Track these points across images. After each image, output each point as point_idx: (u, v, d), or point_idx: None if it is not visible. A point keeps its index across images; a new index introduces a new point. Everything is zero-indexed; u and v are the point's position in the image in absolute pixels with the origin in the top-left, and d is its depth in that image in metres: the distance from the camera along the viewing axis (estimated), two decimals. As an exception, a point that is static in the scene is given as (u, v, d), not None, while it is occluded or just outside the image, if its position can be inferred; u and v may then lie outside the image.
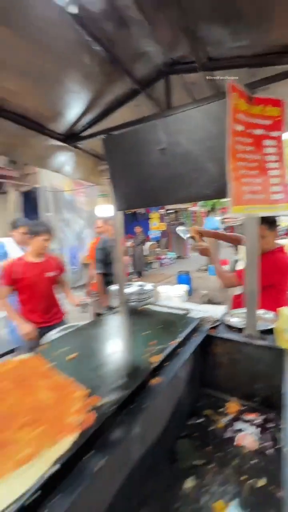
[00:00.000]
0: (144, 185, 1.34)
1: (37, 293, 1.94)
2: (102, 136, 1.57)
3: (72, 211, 7.11)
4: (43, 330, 1.76)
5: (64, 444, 0.56)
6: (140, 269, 8.53)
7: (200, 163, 1.16)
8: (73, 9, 0.90)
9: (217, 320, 1.35)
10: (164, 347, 0.98)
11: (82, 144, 1.85)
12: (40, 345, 1.13)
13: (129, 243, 8.39)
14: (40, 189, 6.56)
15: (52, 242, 2.03)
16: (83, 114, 1.58)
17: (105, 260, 2.84)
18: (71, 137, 1.75)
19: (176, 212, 12.39)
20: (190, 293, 4.11)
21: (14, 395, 0.72)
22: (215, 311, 1.45)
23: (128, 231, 8.43)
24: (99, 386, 0.77)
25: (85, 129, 1.71)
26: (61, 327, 1.59)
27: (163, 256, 10.31)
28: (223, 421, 1.05)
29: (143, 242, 8.96)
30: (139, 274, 8.36)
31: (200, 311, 1.43)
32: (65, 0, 0.88)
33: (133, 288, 1.78)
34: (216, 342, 1.22)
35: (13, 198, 6.33)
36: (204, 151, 1.15)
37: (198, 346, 1.12)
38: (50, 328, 1.75)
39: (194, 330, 1.19)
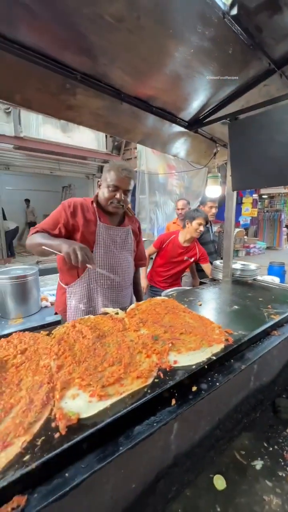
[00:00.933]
0: (271, 165, 1.42)
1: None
2: (227, 120, 1.69)
3: (164, 193, 7.49)
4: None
5: (217, 347, 0.81)
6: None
7: None
8: (233, 11, 1.05)
9: None
10: (280, 311, 1.11)
11: (201, 129, 2.02)
12: (169, 294, 1.44)
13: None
14: (137, 173, 7.18)
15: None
16: (209, 100, 1.73)
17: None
18: (193, 123, 1.94)
19: (272, 197, 11.13)
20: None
21: (168, 317, 1.03)
22: None
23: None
24: (228, 324, 0.99)
25: (208, 115, 1.86)
26: (174, 288, 1.91)
27: (251, 245, 9.62)
28: None
29: (230, 228, 8.58)
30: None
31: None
32: (227, 5, 1.03)
33: (237, 265, 1.92)
34: None
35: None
36: None
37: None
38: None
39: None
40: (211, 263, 2.72)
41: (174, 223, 3.57)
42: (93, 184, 8.72)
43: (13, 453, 0.45)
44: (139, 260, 1.57)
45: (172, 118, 1.79)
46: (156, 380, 0.66)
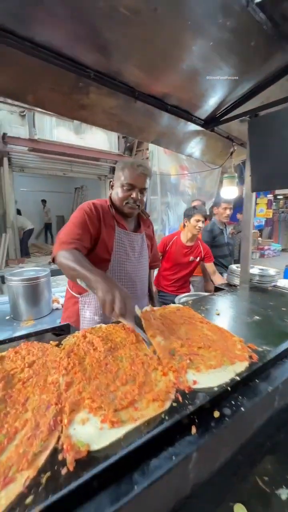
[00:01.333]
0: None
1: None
2: (246, 117, 1.60)
3: (176, 194, 7.40)
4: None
5: (240, 366, 0.74)
6: (237, 257, 8.10)
7: None
8: (258, -1, 0.97)
9: None
10: (307, 323, 1.02)
11: (218, 127, 1.93)
12: (183, 301, 1.37)
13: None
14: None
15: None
16: (227, 96, 1.65)
17: (211, 242, 2.93)
18: (210, 122, 1.86)
19: (287, 198, 10.79)
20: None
21: (184, 328, 0.96)
22: None
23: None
24: (250, 338, 0.91)
25: (226, 112, 1.77)
26: (188, 294, 1.84)
27: (266, 247, 9.35)
28: None
29: (244, 230, 8.37)
30: (236, 262, 7.96)
31: None
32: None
33: (255, 270, 1.82)
34: None
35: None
36: None
37: None
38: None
39: None
40: (226, 267, 2.62)
41: None
42: (105, 185, 8.75)
43: (15, 492, 0.40)
44: (152, 262, 1.50)
45: (188, 116, 1.72)
46: (174, 404, 0.59)
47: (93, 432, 0.51)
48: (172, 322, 1.00)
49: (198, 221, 2.14)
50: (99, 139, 7.82)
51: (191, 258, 2.25)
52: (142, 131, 1.76)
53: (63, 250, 1.06)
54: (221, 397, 0.65)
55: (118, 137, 8.03)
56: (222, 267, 2.77)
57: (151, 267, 1.51)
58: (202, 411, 0.60)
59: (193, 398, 0.62)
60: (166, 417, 0.56)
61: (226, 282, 2.01)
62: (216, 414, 0.61)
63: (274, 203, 10.53)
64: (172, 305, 1.18)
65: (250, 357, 0.78)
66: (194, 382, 0.66)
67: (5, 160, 6.79)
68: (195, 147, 2.15)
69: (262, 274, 1.75)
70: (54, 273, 2.73)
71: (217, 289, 2.00)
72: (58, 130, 7.16)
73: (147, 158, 7.13)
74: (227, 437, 0.63)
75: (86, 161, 7.83)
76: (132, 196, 1.19)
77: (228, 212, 2.77)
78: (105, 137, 7.93)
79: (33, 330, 1.94)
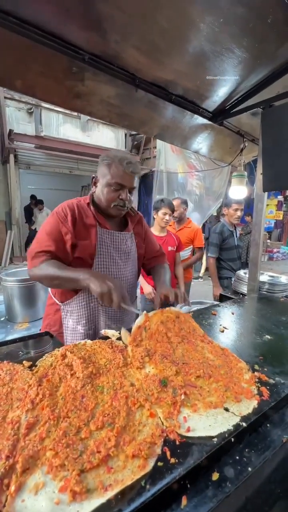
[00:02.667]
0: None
1: None
2: (259, 108, 1.45)
3: (183, 193, 7.22)
4: None
5: (247, 405, 0.59)
6: (246, 260, 7.87)
7: None
8: None
9: None
10: None
11: (227, 121, 1.78)
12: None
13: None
14: (156, 172, 6.98)
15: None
16: (239, 85, 1.49)
17: (220, 245, 2.76)
18: (219, 114, 1.70)
19: (299, 199, 10.43)
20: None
21: (182, 348, 0.82)
22: None
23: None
24: (260, 363, 0.77)
25: (236, 104, 1.62)
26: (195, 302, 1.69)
27: (275, 250, 9.08)
28: None
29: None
30: (245, 265, 7.74)
31: None
32: None
33: (265, 277, 1.66)
34: None
35: (134, 180, 7.02)
36: None
37: None
38: None
39: None
40: (234, 271, 2.46)
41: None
42: (111, 184, 8.65)
43: None
44: (151, 256, 1.29)
45: (194, 108, 1.57)
46: (159, 464, 0.46)
47: (45, 509, 0.38)
48: (168, 340, 0.86)
49: (165, 214, 2.14)
50: (106, 136, 7.70)
51: (170, 248, 2.23)
52: (144, 124, 1.62)
53: (35, 267, 1.00)
54: (222, 451, 0.51)
55: (126, 135, 7.90)
56: (231, 270, 2.61)
57: (158, 257, 1.32)
58: (196, 471, 0.46)
59: (185, 454, 0.48)
60: (148, 486, 0.42)
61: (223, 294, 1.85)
62: (215, 476, 0.47)
63: (284, 204, 10.21)
64: (172, 308, 1.03)
65: (260, 392, 0.64)
66: (188, 430, 0.52)
67: (11, 157, 6.75)
68: (202, 143, 2.00)
69: (273, 282, 1.59)
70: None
71: (222, 296, 1.85)
72: (64, 127, 7.08)
73: (154, 156, 6.98)
74: (229, 506, 0.49)
75: (92, 159, 7.72)
76: (121, 197, 1.04)
77: (239, 213, 2.60)
78: (112, 135, 7.81)
79: (27, 334, 1.84)
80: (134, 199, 7.69)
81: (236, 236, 2.66)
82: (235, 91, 1.51)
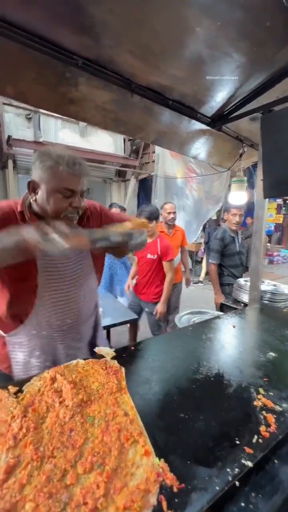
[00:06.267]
0: None
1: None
2: (258, 113, 1.41)
3: (182, 197, 7.20)
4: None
5: None
6: (246, 263, 7.83)
7: None
8: None
9: None
10: None
11: (226, 126, 1.74)
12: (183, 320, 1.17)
13: (240, 237, 7.80)
14: (154, 177, 6.97)
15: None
16: (237, 90, 1.45)
17: (222, 251, 2.71)
18: (217, 120, 1.67)
19: (298, 202, 10.43)
20: None
21: (53, 441, 0.53)
22: None
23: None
24: (263, 387, 0.71)
25: (235, 109, 1.58)
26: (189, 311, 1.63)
27: (275, 253, 9.03)
28: None
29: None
30: (245, 269, 7.69)
31: None
32: None
33: (267, 286, 1.60)
34: None
35: (133, 184, 7.04)
36: None
37: None
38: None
39: None
40: (236, 277, 2.41)
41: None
42: (110, 189, 8.64)
43: None
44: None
45: (192, 113, 1.53)
46: (154, 518, 0.40)
47: None
48: (39, 430, 0.55)
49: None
50: (104, 141, 7.71)
51: (149, 255, 2.21)
52: (140, 130, 1.58)
53: None
54: (226, 496, 0.45)
55: (124, 140, 7.91)
56: (232, 277, 2.55)
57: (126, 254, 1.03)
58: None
59: (183, 504, 0.42)
60: None
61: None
62: (218, 530, 0.41)
63: (283, 208, 10.19)
64: (80, 361, 0.80)
65: (266, 422, 0.58)
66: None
67: (10, 162, 6.73)
68: (200, 148, 1.96)
69: (275, 291, 1.53)
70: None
71: (223, 305, 1.80)
72: (63, 133, 7.09)
73: (153, 161, 6.99)
74: None
75: (91, 163, 7.72)
76: (74, 204, 0.82)
77: (237, 218, 2.54)
78: (111, 140, 7.82)
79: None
80: (134, 203, 7.66)
81: (238, 242, 2.61)
82: (234, 96, 1.47)
